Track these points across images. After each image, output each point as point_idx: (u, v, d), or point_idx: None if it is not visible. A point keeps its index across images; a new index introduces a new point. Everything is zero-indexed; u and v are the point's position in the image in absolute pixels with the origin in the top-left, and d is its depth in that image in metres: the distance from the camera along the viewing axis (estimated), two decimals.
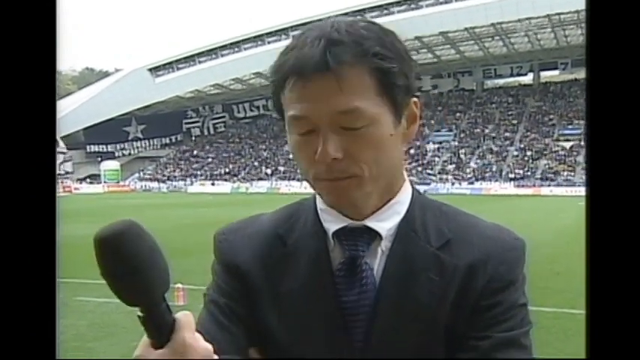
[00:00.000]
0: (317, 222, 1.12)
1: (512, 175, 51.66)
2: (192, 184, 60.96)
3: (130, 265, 0.76)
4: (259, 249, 1.13)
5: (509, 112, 62.11)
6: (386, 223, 1.08)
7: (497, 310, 1.03)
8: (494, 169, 54.03)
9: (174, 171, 67.24)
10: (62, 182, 59.75)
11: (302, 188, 49.22)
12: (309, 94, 0.97)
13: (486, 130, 60.83)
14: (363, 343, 1.05)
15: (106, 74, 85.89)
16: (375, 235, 1.08)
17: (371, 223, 1.07)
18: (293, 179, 56.44)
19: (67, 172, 66.31)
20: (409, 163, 58.54)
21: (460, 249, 1.07)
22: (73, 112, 63.98)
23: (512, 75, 65.06)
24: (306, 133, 1.00)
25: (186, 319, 0.80)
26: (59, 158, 66.42)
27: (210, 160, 68.73)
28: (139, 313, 0.79)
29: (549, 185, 48.12)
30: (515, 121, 60.46)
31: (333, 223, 1.10)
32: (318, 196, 1.13)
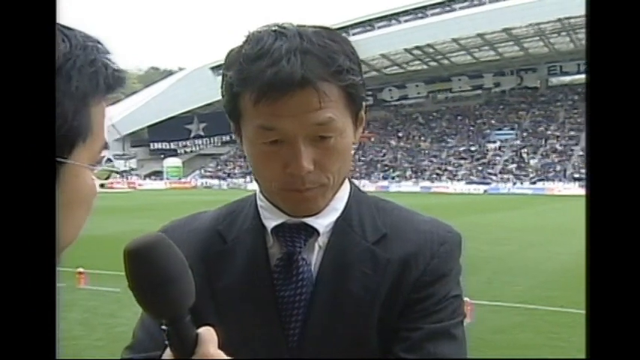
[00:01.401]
0: (256, 218, 1.12)
1: (577, 175, 50.05)
2: (251, 181, 61.32)
3: (161, 276, 0.77)
4: (199, 245, 1.13)
5: (575, 111, 60.13)
6: (324, 219, 1.10)
7: (428, 303, 1.06)
8: (557, 168, 52.52)
9: (234, 168, 68.26)
10: (127, 179, 61.56)
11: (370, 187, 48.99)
12: (286, 107, 0.96)
13: (550, 129, 59.21)
14: (298, 336, 1.07)
15: (170, 73, 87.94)
16: (312, 231, 1.09)
17: (308, 219, 1.09)
18: (354, 178, 56.26)
19: (132, 169, 68.27)
20: (469, 162, 57.62)
21: (394, 243, 1.09)
22: (138, 110, 65.81)
23: (579, 72, 62.80)
24: (271, 142, 1.00)
25: (208, 333, 0.81)
26: (122, 158, 68.47)
27: None
28: (163, 327, 0.79)
29: None
30: (581, 120, 58.42)
31: (271, 219, 1.11)
32: (259, 194, 1.13)
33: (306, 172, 1.00)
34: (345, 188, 1.13)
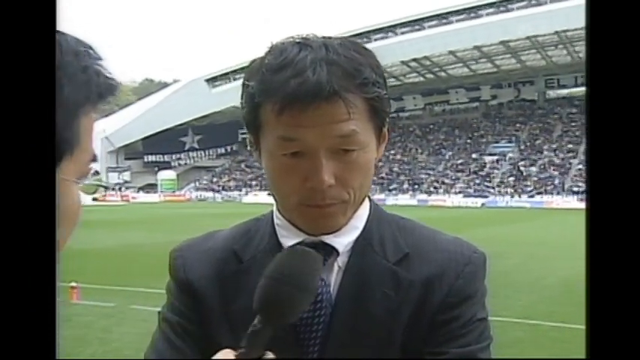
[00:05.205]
0: (273, 237, 1.10)
1: (575, 189, 49.69)
2: (246, 194, 61.13)
3: (306, 282, 0.86)
4: (214, 266, 1.11)
5: (573, 124, 59.90)
6: (343, 238, 1.07)
7: (453, 325, 1.03)
8: (556, 182, 52.17)
9: (229, 181, 67.70)
10: (120, 191, 60.90)
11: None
12: (310, 118, 0.94)
13: (548, 142, 58.95)
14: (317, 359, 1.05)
15: (165, 85, 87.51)
16: (331, 251, 1.07)
17: (327, 238, 1.06)
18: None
19: (126, 182, 67.61)
20: (467, 175, 57.25)
21: (417, 264, 1.06)
22: (132, 122, 65.29)
23: (576, 85, 62.58)
24: (292, 155, 0.98)
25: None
26: (115, 172, 67.90)
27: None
28: (256, 323, 0.84)
29: None
30: (579, 133, 58.22)
31: (288, 238, 1.08)
32: (275, 211, 1.11)
33: (326, 186, 0.97)
34: (366, 206, 1.09)
